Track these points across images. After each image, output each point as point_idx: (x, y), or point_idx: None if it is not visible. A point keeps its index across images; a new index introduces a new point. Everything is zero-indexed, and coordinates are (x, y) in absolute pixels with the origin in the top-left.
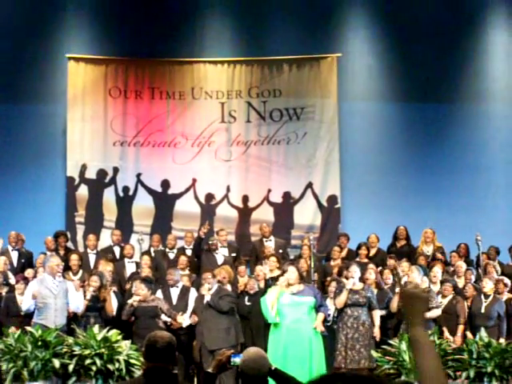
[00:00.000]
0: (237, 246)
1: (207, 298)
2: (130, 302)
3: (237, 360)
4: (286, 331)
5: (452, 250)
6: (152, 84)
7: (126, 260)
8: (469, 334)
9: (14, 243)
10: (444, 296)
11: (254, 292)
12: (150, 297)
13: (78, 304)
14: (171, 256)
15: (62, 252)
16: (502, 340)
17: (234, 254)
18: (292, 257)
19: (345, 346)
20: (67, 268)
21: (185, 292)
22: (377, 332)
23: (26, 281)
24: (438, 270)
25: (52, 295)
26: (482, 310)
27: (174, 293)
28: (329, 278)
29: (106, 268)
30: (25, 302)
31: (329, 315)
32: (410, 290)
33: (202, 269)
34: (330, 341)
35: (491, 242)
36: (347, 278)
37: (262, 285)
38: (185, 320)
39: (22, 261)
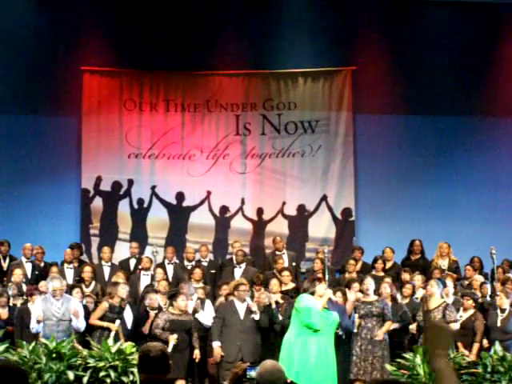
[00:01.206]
0: (253, 259)
1: (256, 317)
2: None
3: (252, 373)
4: (316, 344)
5: (466, 263)
6: (167, 96)
7: (142, 272)
8: (485, 346)
9: (28, 255)
10: (465, 309)
11: (263, 306)
12: (184, 310)
13: (80, 325)
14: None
15: (75, 264)
16: None
17: (254, 269)
18: (304, 270)
19: (359, 357)
20: (80, 280)
21: (199, 304)
22: (380, 333)
23: (39, 292)
24: (449, 284)
25: (55, 318)
26: (498, 324)
27: (190, 306)
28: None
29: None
30: (32, 323)
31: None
32: (436, 322)
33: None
34: (343, 352)
35: (505, 255)
36: (363, 292)
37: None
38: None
39: (36, 273)
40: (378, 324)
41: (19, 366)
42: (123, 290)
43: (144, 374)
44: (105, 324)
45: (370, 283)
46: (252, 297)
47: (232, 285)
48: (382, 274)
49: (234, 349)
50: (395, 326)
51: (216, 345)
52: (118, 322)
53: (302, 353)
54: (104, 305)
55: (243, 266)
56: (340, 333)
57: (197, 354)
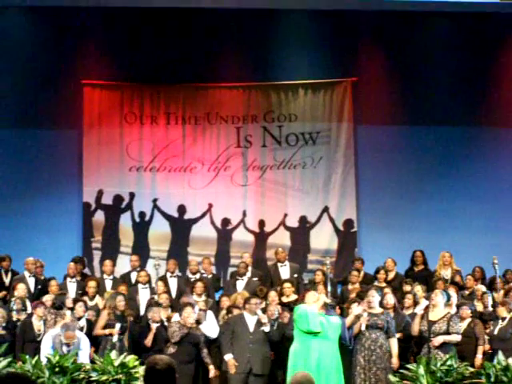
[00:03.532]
0: (261, 272)
1: (266, 329)
2: (183, 322)
3: None
4: (319, 351)
5: (468, 273)
6: (168, 109)
7: (141, 286)
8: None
9: (31, 270)
10: (462, 319)
11: (274, 318)
12: (194, 324)
13: (86, 358)
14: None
15: (78, 278)
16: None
17: (255, 279)
18: (306, 281)
19: (363, 367)
20: (84, 294)
21: (202, 315)
22: (395, 362)
23: (44, 306)
24: (453, 294)
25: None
26: (496, 332)
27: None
28: (349, 300)
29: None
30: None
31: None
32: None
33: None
34: (347, 361)
35: (508, 265)
36: (367, 303)
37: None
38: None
39: (39, 287)
40: (382, 336)
41: (28, 376)
42: (120, 303)
43: None
44: (107, 331)
45: (373, 295)
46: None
47: (237, 298)
48: (384, 284)
49: (243, 361)
50: (399, 335)
51: (228, 357)
52: (118, 325)
53: (306, 360)
54: (104, 313)
55: (245, 278)
56: (343, 342)
57: (212, 369)
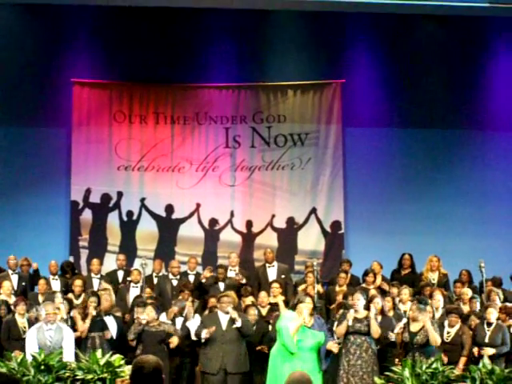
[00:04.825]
0: (247, 272)
1: (238, 324)
2: (138, 320)
3: None
4: (290, 366)
5: (455, 276)
6: (157, 109)
7: (132, 284)
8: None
9: (12, 267)
10: (451, 326)
11: (254, 322)
12: (157, 321)
13: (70, 355)
14: (174, 282)
15: (68, 276)
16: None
17: (244, 280)
18: (293, 283)
19: (347, 372)
20: (70, 291)
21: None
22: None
23: (26, 302)
24: (440, 298)
25: (48, 346)
26: (487, 340)
27: (179, 320)
28: (335, 304)
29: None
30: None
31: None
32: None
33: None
34: (332, 369)
35: (494, 269)
36: (351, 306)
37: (264, 312)
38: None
39: (23, 284)
40: (367, 340)
41: (13, 375)
42: (92, 303)
43: None
44: (88, 321)
45: (358, 298)
46: (236, 308)
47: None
48: (371, 287)
49: (217, 360)
50: (391, 339)
51: (204, 332)
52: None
53: (274, 376)
54: (77, 316)
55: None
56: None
57: (173, 340)
